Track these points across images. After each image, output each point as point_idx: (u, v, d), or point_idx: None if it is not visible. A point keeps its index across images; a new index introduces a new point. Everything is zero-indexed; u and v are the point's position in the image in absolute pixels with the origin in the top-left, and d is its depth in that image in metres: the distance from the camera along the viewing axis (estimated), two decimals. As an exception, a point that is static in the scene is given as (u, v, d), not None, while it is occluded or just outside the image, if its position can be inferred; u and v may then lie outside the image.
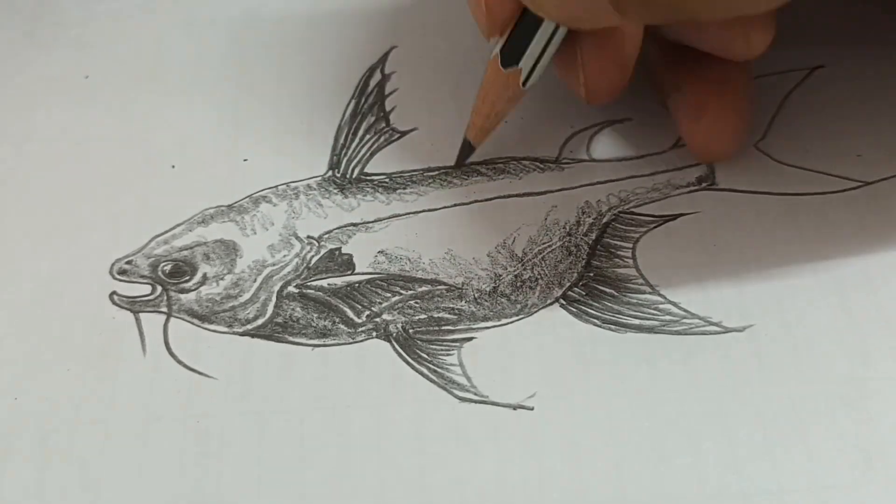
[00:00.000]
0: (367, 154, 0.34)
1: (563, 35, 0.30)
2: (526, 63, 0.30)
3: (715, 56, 0.31)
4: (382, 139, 0.34)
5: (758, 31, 0.29)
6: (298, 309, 0.30)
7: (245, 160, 0.34)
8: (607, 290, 0.30)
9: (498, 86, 0.31)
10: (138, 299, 0.31)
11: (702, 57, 0.31)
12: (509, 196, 0.33)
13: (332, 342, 0.29)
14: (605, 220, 0.32)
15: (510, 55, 0.30)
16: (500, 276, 0.31)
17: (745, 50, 0.30)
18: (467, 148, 0.33)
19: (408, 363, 0.29)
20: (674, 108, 0.32)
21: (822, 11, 0.36)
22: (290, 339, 0.30)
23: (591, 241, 0.31)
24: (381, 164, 0.34)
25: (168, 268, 0.31)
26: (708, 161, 0.33)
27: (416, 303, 0.30)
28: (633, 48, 0.30)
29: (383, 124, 0.35)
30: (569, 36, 0.30)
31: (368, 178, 0.33)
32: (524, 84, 0.31)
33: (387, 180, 0.33)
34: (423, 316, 0.30)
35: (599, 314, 0.30)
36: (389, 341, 0.29)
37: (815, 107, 0.34)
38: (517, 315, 0.30)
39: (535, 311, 0.30)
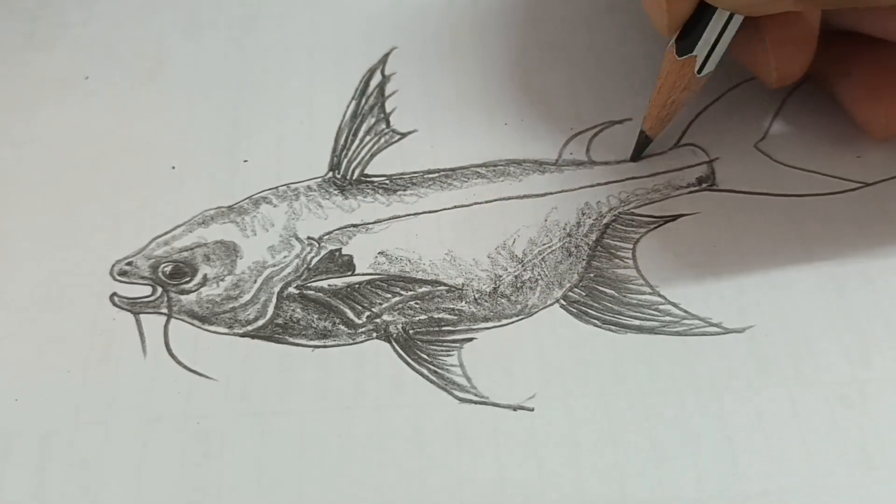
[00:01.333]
0: (368, 155, 0.34)
1: (738, 22, 0.30)
2: (701, 50, 0.30)
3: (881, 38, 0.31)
4: (383, 140, 0.34)
5: None
6: (299, 310, 0.30)
7: (245, 161, 0.34)
8: (607, 290, 0.30)
9: (674, 75, 0.31)
10: (139, 300, 0.31)
11: (870, 40, 0.31)
12: (509, 198, 0.33)
13: (333, 343, 0.29)
14: (605, 221, 0.32)
15: (686, 44, 0.30)
16: (501, 276, 0.31)
17: None
18: (644, 139, 0.33)
19: (408, 364, 0.29)
20: (844, 93, 0.33)
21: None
22: (291, 340, 0.30)
23: (591, 242, 0.31)
24: (381, 165, 0.34)
25: (168, 269, 0.31)
26: (887, 139, 0.33)
27: (417, 303, 0.30)
28: (815, 28, 0.31)
29: (384, 126, 0.35)
30: (752, 24, 0.30)
31: (369, 179, 0.33)
32: (700, 71, 0.31)
33: (387, 182, 0.33)
34: (423, 317, 0.30)
35: (600, 315, 0.30)
36: (389, 342, 0.29)
37: (816, 107, 0.34)
38: (517, 316, 0.30)
39: (536, 312, 0.30)
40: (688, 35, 0.30)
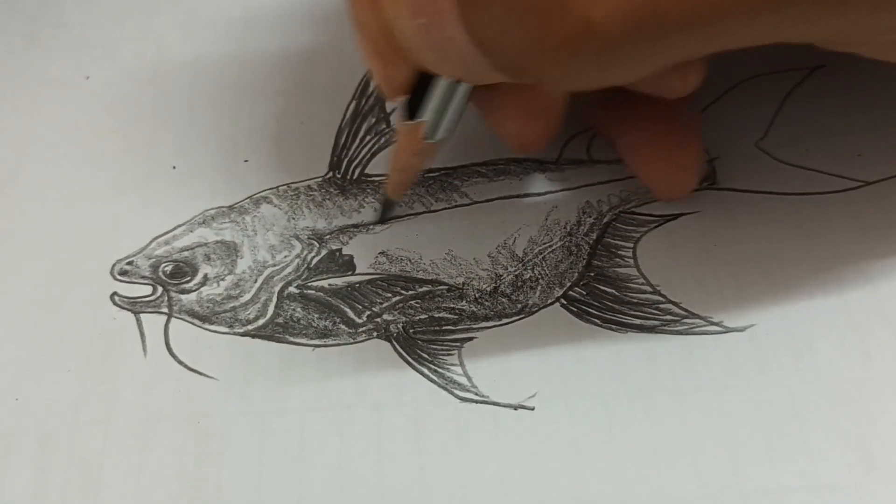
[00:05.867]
0: (368, 155, 0.34)
1: (467, 89, 0.28)
2: (428, 116, 0.28)
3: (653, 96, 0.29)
4: (383, 140, 0.34)
5: (692, 69, 0.28)
6: (299, 309, 0.30)
7: (246, 161, 0.34)
8: (608, 289, 0.30)
9: (405, 139, 0.29)
10: (139, 300, 0.31)
11: (641, 97, 0.29)
12: (510, 197, 0.33)
13: (333, 342, 0.29)
14: (605, 220, 0.32)
15: (412, 108, 0.28)
16: (501, 276, 0.31)
17: (680, 89, 0.28)
18: (388, 203, 0.32)
19: (408, 363, 0.29)
20: (624, 151, 0.32)
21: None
22: (291, 339, 0.30)
23: (591, 241, 0.31)
24: (381, 165, 0.34)
25: (169, 268, 0.31)
26: (671, 200, 0.32)
27: (417, 303, 0.30)
28: (555, 97, 0.29)
29: (384, 125, 0.35)
30: (491, 87, 0.28)
31: (369, 179, 0.33)
32: (430, 138, 0.29)
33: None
34: (423, 316, 0.30)
35: (600, 314, 0.30)
36: (390, 341, 0.29)
37: (816, 106, 0.34)
38: (518, 315, 0.30)
39: (536, 311, 0.30)
40: (415, 100, 0.28)
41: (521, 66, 0.24)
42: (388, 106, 0.35)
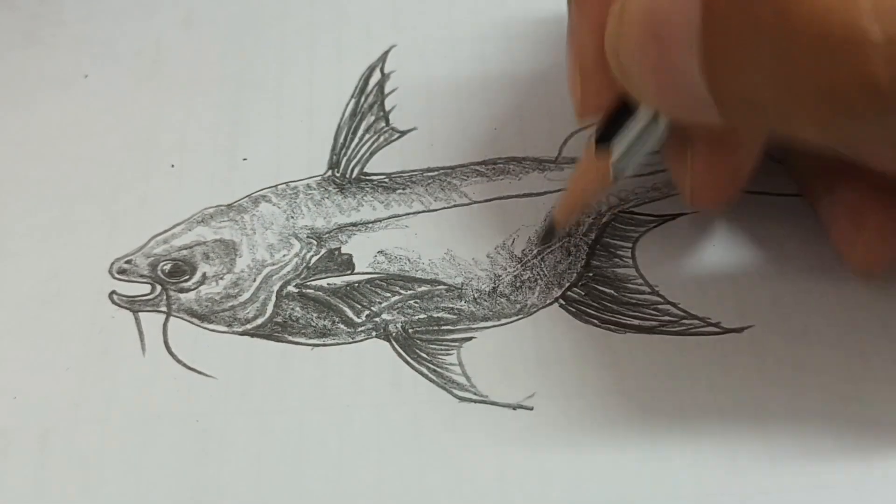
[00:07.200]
0: (367, 154, 0.34)
1: (663, 127, 0.27)
2: (616, 148, 0.28)
3: None
4: (382, 139, 0.34)
5: None
6: (298, 308, 0.30)
7: (244, 159, 0.34)
8: (606, 290, 0.30)
9: (588, 169, 0.29)
10: (138, 298, 0.31)
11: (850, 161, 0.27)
12: (509, 196, 0.33)
13: (332, 342, 0.29)
14: (604, 220, 0.32)
15: (603, 137, 0.28)
16: (500, 276, 0.31)
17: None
18: (551, 228, 0.31)
19: (407, 363, 0.29)
20: (825, 212, 0.29)
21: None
22: (290, 338, 0.30)
23: (590, 241, 0.31)
24: (380, 163, 0.34)
25: (167, 267, 0.31)
26: (867, 273, 0.29)
27: (416, 303, 0.30)
28: (748, 157, 0.28)
29: (383, 124, 0.35)
30: (681, 134, 0.28)
31: (368, 177, 0.33)
32: (614, 170, 0.28)
33: (386, 180, 0.33)
34: (422, 316, 0.30)
35: (599, 314, 0.30)
36: (389, 341, 0.29)
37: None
38: (517, 315, 0.30)
39: (535, 312, 0.30)
40: (607, 129, 0.28)
41: (762, 117, 0.23)
42: (387, 104, 0.35)
